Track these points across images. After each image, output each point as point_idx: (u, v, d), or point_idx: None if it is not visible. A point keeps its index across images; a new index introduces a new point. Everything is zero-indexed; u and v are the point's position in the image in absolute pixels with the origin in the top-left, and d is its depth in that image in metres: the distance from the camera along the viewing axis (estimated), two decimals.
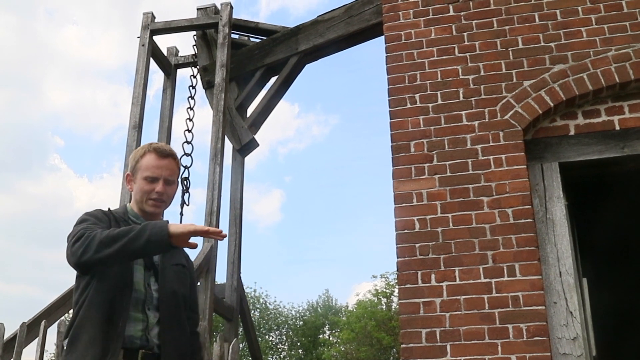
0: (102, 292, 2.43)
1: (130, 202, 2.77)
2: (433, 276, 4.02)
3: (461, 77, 4.48)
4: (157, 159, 2.66)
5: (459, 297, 3.94)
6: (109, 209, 2.70)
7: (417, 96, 4.50)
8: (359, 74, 56.31)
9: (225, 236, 2.39)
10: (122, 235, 2.29)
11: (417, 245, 4.12)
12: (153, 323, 2.49)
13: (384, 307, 27.69)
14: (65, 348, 2.43)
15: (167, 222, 2.37)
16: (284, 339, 36.30)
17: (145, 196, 2.64)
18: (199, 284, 6.54)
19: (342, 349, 29.41)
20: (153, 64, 8.26)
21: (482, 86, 4.42)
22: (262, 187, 56.93)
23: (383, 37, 4.82)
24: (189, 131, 8.30)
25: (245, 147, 7.99)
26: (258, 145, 8.07)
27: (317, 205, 56.59)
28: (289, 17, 59.09)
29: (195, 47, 8.58)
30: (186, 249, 2.78)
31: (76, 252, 2.35)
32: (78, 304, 2.49)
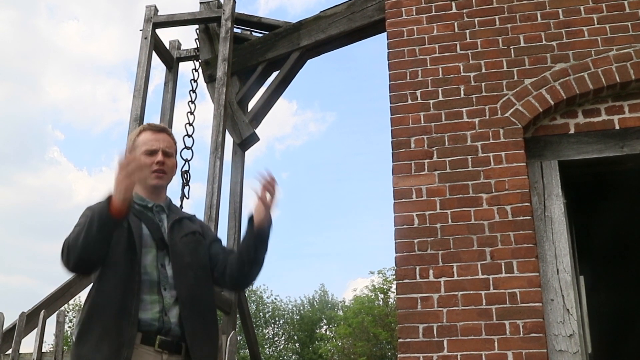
0: (109, 281, 2.43)
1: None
2: (431, 272, 4.05)
3: (462, 74, 4.50)
4: (152, 134, 2.72)
5: (456, 293, 3.97)
6: None
7: (418, 92, 4.52)
8: (354, 72, 56.36)
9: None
10: (80, 230, 2.34)
11: (415, 240, 4.14)
12: (170, 303, 2.47)
13: (381, 302, 27.73)
14: (75, 340, 2.40)
15: (109, 195, 2.36)
16: (281, 332, 36.39)
17: (147, 170, 2.65)
18: None
19: (339, 343, 29.45)
20: (155, 58, 8.26)
21: (483, 83, 4.44)
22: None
23: (384, 33, 4.84)
24: (190, 124, 8.31)
25: (245, 141, 7.99)
26: (259, 139, 8.08)
27: (313, 201, 56.64)
28: (287, 16, 58.89)
29: (197, 40, 8.58)
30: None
31: (63, 264, 2.42)
32: (88, 295, 2.50)
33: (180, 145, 8.07)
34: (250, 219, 2.61)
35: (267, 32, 8.24)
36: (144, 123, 2.85)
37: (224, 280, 2.70)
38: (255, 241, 2.60)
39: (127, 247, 2.48)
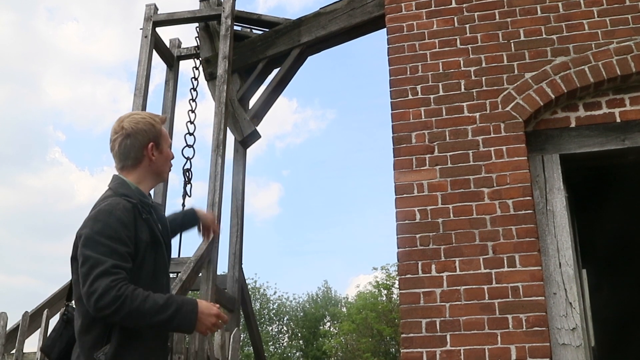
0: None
1: (137, 177, 2.56)
2: (433, 266, 4.05)
3: (463, 68, 4.49)
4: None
5: (459, 288, 3.97)
6: (132, 203, 2.42)
7: (418, 87, 4.52)
8: (354, 68, 56.38)
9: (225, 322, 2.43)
10: (153, 314, 2.19)
11: (417, 235, 4.14)
12: None
13: (384, 298, 27.73)
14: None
15: (196, 306, 2.27)
16: (285, 329, 36.42)
17: (168, 164, 2.64)
18: (200, 274, 6.57)
19: (343, 340, 29.46)
20: (155, 57, 8.26)
21: (483, 78, 4.43)
22: (260, 181, 57.00)
23: (384, 29, 4.83)
24: (191, 122, 8.32)
25: (247, 139, 8.00)
26: (260, 136, 8.08)
27: (315, 198, 56.69)
28: (286, 14, 59.11)
29: (197, 39, 8.58)
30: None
31: (101, 310, 2.17)
32: None
33: (181, 144, 8.10)
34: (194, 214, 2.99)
35: (267, 30, 8.24)
36: (145, 114, 2.68)
37: None
38: (185, 229, 2.96)
39: (154, 265, 2.41)
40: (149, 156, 2.52)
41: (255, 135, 8.04)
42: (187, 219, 2.97)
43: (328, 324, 36.03)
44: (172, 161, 2.68)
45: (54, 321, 6.14)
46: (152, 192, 2.79)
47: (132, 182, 2.52)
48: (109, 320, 2.22)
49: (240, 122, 7.88)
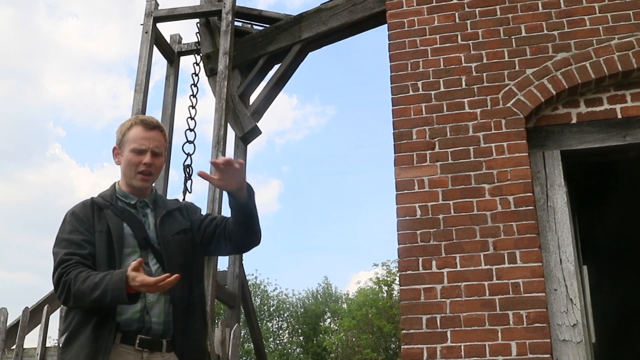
0: None
1: (119, 179, 2.73)
2: (434, 263, 4.05)
3: (464, 64, 4.48)
4: (144, 131, 2.62)
5: (459, 284, 3.97)
6: (92, 198, 2.63)
7: (419, 83, 4.51)
8: (354, 65, 56.25)
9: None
10: (89, 292, 2.31)
11: (418, 232, 4.14)
12: (152, 302, 2.45)
13: (385, 295, 27.73)
14: (61, 346, 2.46)
15: (124, 274, 2.28)
16: (285, 325, 36.45)
17: (133, 169, 2.60)
18: None
19: (343, 336, 29.48)
20: (155, 53, 8.24)
21: (484, 74, 4.42)
22: (259, 178, 56.88)
23: (385, 25, 4.82)
24: (192, 118, 8.30)
25: (248, 135, 7.98)
26: (261, 132, 8.06)
27: (315, 195, 56.62)
28: (286, 10, 58.57)
29: (198, 34, 8.57)
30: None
31: (59, 298, 2.43)
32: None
33: (182, 140, 8.08)
34: (231, 195, 2.58)
35: (268, 25, 8.22)
36: (135, 116, 2.76)
37: (231, 247, 2.68)
38: (245, 216, 2.59)
39: (107, 253, 2.46)
40: (115, 159, 2.71)
41: (256, 132, 8.03)
42: (230, 203, 2.68)
43: (328, 320, 36.07)
44: (142, 167, 2.60)
45: (54, 317, 6.15)
46: (153, 189, 2.77)
47: (119, 185, 2.71)
48: (69, 306, 2.44)
49: (240, 118, 7.87)
